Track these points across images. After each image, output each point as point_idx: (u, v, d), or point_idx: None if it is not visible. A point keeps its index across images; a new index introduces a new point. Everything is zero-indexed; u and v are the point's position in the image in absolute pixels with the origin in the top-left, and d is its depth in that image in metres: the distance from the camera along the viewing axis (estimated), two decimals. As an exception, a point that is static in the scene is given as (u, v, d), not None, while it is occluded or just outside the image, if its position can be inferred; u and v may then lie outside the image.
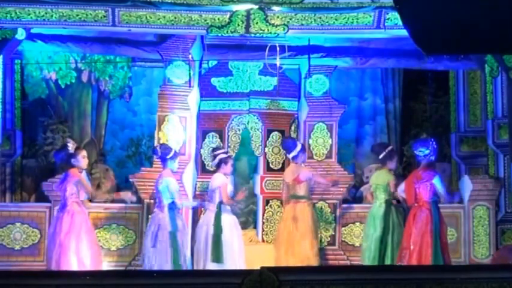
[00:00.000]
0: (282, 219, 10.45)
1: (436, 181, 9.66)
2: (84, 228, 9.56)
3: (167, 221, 9.66)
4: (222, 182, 9.93)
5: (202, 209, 10.45)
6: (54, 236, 9.55)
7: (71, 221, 9.49)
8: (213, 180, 10.06)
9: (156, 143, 10.74)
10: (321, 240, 10.84)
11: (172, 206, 9.77)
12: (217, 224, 9.81)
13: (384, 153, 10.30)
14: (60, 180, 9.77)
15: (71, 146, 9.78)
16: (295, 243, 10.14)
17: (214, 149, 10.39)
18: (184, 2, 9.58)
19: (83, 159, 9.73)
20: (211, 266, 9.71)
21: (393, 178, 10.25)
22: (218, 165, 10.10)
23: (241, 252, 9.96)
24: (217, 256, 9.72)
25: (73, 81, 13.15)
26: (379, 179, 10.28)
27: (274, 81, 11.23)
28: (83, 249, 9.50)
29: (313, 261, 10.10)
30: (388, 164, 10.30)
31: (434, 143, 9.88)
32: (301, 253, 10.09)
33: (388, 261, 9.94)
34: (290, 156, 10.40)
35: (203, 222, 10.07)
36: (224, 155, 10.11)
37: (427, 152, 9.75)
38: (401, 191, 10.07)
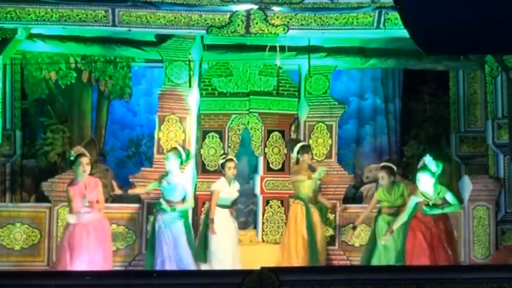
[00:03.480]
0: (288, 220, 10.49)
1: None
2: (100, 234, 9.41)
3: (167, 221, 9.65)
4: (214, 188, 9.92)
5: (202, 208, 10.43)
6: (65, 249, 9.33)
7: (86, 231, 9.33)
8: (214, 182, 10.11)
9: (156, 143, 10.75)
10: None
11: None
12: (205, 223, 9.83)
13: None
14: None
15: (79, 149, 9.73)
16: (292, 244, 10.12)
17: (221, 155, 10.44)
18: (184, 2, 9.57)
19: (86, 166, 9.56)
20: (204, 266, 9.68)
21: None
22: (221, 171, 10.11)
23: (236, 253, 9.87)
24: (201, 255, 9.68)
25: (73, 81, 13.13)
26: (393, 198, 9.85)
27: (274, 81, 11.23)
28: (95, 251, 9.37)
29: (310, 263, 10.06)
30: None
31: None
32: (300, 254, 10.06)
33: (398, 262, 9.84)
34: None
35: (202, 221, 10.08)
36: (222, 160, 10.09)
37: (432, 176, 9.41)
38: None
